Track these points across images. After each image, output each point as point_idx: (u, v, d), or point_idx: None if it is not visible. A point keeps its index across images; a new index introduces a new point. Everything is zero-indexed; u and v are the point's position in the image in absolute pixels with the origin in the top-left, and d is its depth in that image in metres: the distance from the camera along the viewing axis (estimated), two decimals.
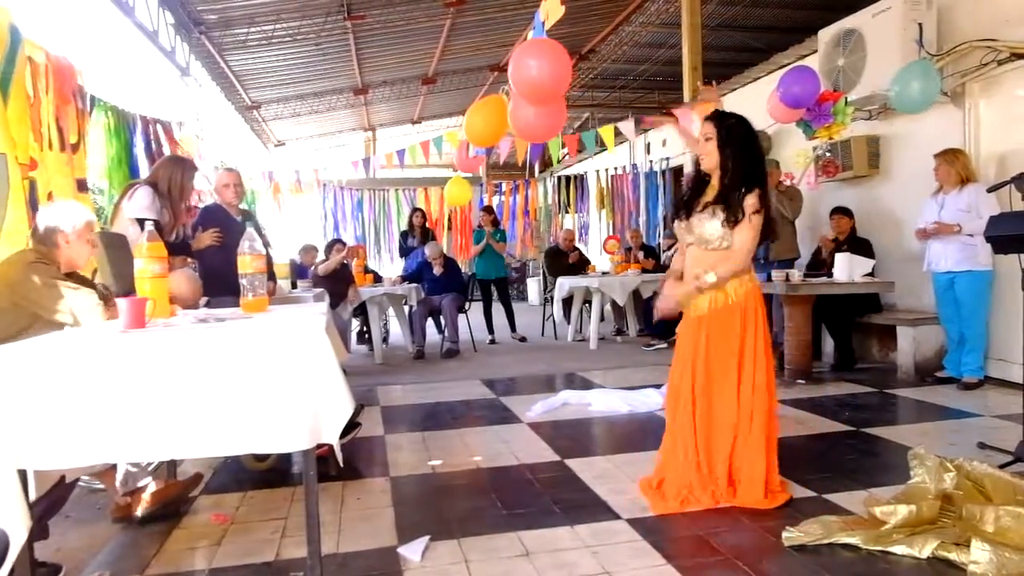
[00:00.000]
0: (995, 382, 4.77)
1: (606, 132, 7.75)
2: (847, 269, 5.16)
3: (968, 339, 4.73)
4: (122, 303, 2.04)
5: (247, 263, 2.64)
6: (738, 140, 2.74)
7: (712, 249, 2.73)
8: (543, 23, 3.62)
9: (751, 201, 2.69)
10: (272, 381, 1.84)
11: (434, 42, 8.96)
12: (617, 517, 2.63)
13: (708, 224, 2.72)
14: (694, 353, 2.77)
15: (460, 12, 7.94)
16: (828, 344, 5.90)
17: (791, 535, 2.34)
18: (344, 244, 7.00)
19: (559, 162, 8.42)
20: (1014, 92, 4.65)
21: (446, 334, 7.19)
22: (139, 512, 2.57)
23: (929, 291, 5.14)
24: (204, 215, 4.27)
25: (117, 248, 3.17)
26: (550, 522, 2.59)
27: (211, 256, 4.02)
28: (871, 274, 5.26)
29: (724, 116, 2.83)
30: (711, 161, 2.79)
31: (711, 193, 2.80)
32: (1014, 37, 4.58)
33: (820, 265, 5.88)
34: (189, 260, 4.09)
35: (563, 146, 8.15)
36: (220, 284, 3.61)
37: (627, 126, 6.84)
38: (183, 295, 3.13)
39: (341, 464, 1.93)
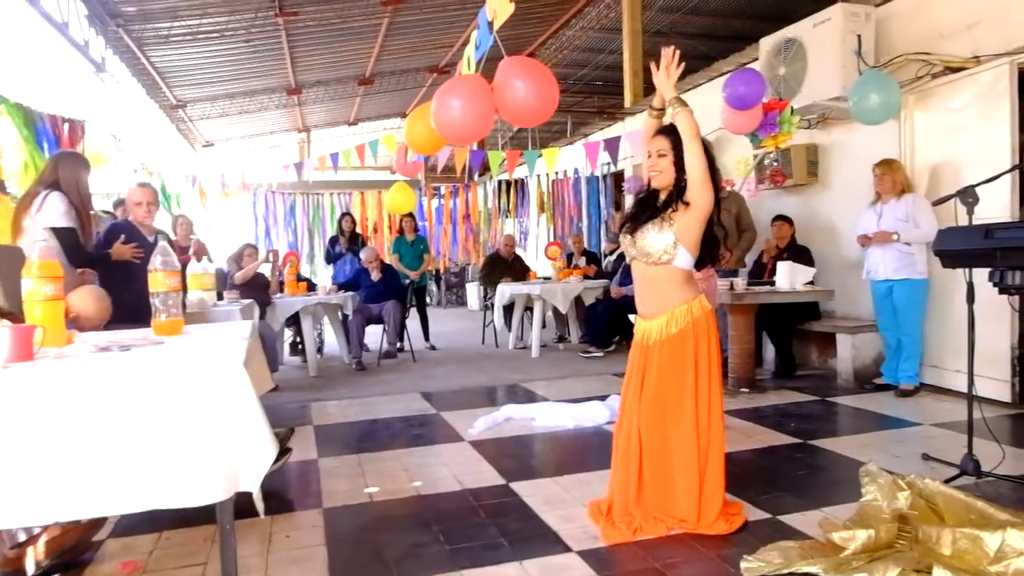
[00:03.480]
0: (930, 388, 4.87)
1: (550, 155, 7.67)
2: (789, 277, 5.17)
3: (905, 346, 4.80)
4: (3, 332, 1.76)
5: (160, 280, 2.40)
6: None
7: (653, 263, 2.59)
8: (490, 23, 3.39)
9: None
10: (182, 423, 1.60)
11: (371, 42, 8.68)
12: (568, 549, 2.47)
13: (650, 236, 2.58)
14: (642, 384, 2.63)
15: (398, 11, 7.70)
16: (769, 351, 5.93)
17: (751, 565, 2.24)
18: (256, 248, 6.58)
19: (500, 165, 8.27)
20: (947, 105, 4.74)
21: (386, 336, 6.92)
22: (32, 566, 2.26)
23: (867, 299, 5.21)
24: (112, 232, 3.86)
25: (9, 263, 2.82)
26: (497, 557, 2.42)
27: (113, 280, 3.55)
28: (812, 282, 5.29)
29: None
30: (665, 179, 2.62)
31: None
32: (948, 51, 4.67)
33: (761, 272, 5.90)
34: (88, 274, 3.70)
35: (504, 160, 8.03)
36: (120, 311, 3.11)
37: (572, 151, 6.77)
38: (88, 314, 2.83)
39: (262, 515, 1.71)
